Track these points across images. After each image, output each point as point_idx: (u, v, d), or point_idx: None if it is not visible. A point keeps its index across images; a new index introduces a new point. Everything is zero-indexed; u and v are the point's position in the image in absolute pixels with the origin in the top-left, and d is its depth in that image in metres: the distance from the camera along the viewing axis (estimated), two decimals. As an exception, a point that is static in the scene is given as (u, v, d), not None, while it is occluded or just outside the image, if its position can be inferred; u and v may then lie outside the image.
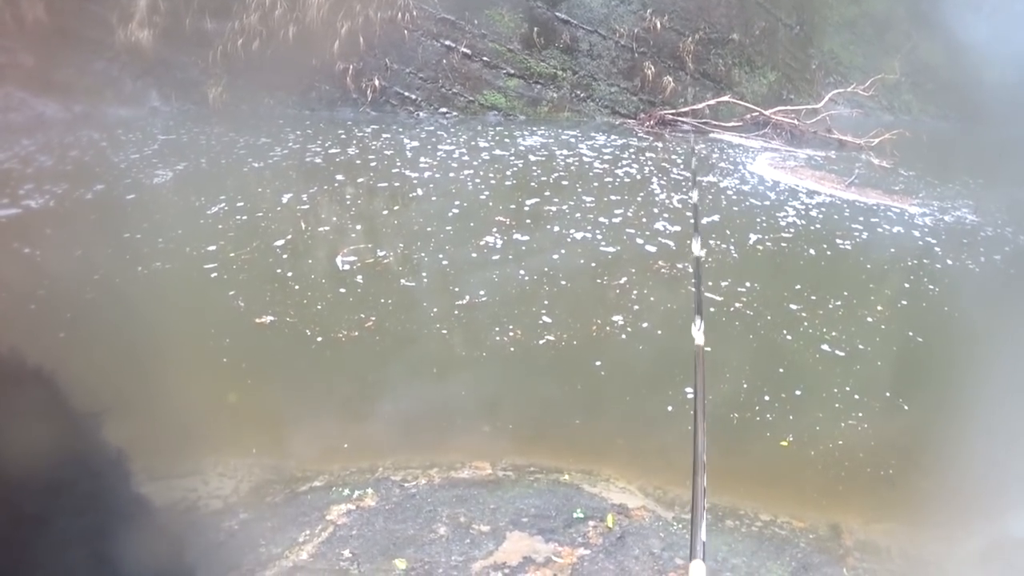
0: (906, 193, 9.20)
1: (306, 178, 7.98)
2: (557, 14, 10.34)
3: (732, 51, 11.18)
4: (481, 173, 8.50)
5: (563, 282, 6.03)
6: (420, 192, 7.90)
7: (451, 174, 8.39)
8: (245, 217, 6.83)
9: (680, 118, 10.68)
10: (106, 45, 8.88)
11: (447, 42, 9.94)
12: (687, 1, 10.76)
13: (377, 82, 9.70)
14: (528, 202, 7.78)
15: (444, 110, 10.01)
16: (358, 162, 8.60)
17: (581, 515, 3.41)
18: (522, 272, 6.10)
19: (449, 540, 3.12)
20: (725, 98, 10.82)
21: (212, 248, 6.10)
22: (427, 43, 9.92)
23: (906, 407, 4.98)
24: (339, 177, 8.16)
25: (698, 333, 2.01)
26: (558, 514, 3.40)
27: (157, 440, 3.60)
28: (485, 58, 10.04)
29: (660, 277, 6.36)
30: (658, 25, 10.53)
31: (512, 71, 10.16)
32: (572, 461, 4.10)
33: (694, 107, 10.69)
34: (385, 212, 7.31)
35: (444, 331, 5.14)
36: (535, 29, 10.22)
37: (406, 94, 9.90)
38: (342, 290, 5.56)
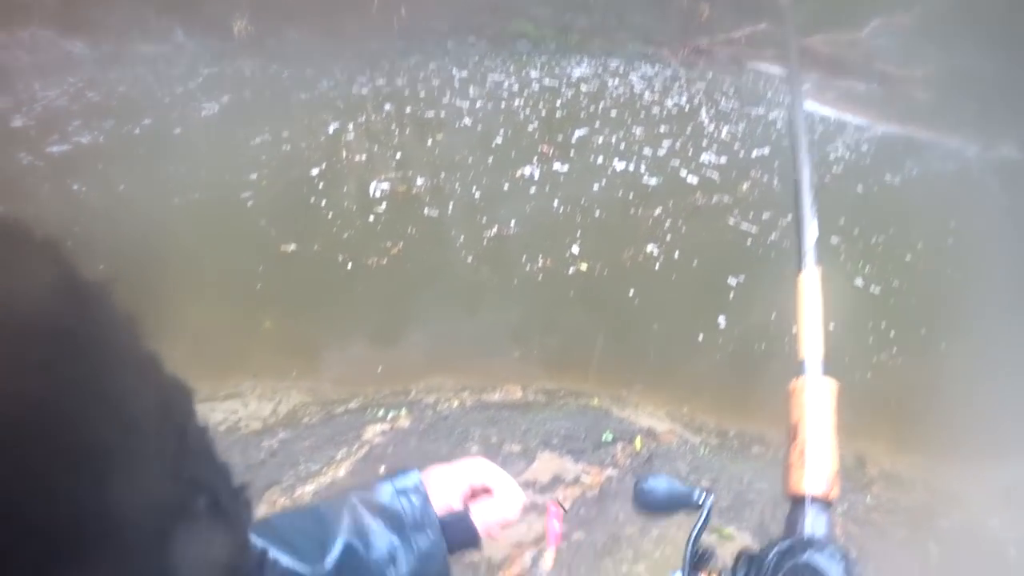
0: (950, 127, 8.92)
1: (353, 109, 7.96)
2: (589, -62, 10.01)
3: (770, -25, 10.73)
4: (530, 103, 8.38)
5: (598, 213, 5.99)
6: (465, 122, 7.83)
7: (501, 104, 8.30)
8: (288, 147, 6.86)
9: (716, 46, 10.36)
10: (130, -21, 8.80)
11: (475, -31, 9.69)
12: (725, -78, 10.30)
13: (404, 11, 9.50)
14: (575, 132, 7.67)
15: (472, 39, 9.82)
16: (406, 93, 8.52)
17: (610, 437, 3.48)
18: (556, 203, 6.06)
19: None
20: (763, 26, 10.43)
21: (252, 177, 6.14)
22: (455, -30, 9.69)
23: (942, 345, 4.94)
24: (387, 107, 8.12)
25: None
26: (587, 436, 3.47)
27: (197, 365, 3.71)
28: (514, -15, 9.79)
29: (699, 209, 6.28)
30: (693, -52, 10.14)
31: (542, -2, 9.91)
32: (602, 386, 4.16)
33: (731, 35, 10.34)
34: (428, 142, 7.28)
35: (473, 260, 5.17)
36: (565, -47, 9.91)
37: (434, 23, 9.71)
38: (371, 218, 5.59)
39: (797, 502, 0.81)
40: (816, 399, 0.88)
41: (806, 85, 9.72)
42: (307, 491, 2.90)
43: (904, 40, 11.63)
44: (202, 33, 9.28)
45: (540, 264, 5.14)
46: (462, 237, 5.33)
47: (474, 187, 6.19)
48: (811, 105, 9.19)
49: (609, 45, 10.00)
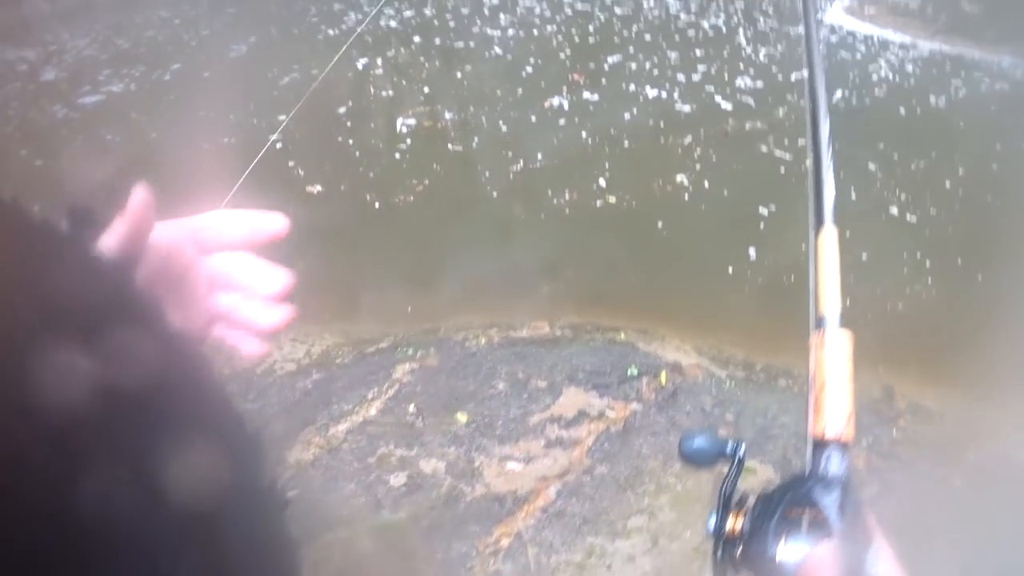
0: (996, 41, 8.49)
1: (381, 43, 7.87)
2: None
3: None
4: (562, 29, 8.19)
5: (627, 143, 5.89)
6: (496, 51, 7.70)
7: (533, 31, 8.13)
8: (316, 85, 6.83)
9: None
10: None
11: None
12: None
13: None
14: (607, 59, 7.48)
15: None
16: (436, 23, 8.39)
17: (635, 372, 3.53)
18: (584, 134, 5.98)
19: (508, 395, 3.28)
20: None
21: (281, 118, 6.15)
22: None
23: (979, 276, 4.83)
24: (416, 40, 8.01)
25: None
26: (613, 371, 3.52)
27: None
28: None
29: (731, 136, 6.14)
30: None
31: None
32: (629, 320, 4.18)
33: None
34: (457, 74, 7.18)
35: (499, 195, 5.16)
36: None
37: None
38: (396, 156, 5.59)
39: (817, 444, 0.90)
40: (834, 353, 0.98)
41: (853, 2, 9.30)
42: (340, 430, 3.01)
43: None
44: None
45: (567, 198, 5.12)
46: (488, 172, 5.31)
47: (501, 120, 6.13)
48: (851, 22, 8.81)
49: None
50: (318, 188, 5.05)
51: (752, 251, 4.89)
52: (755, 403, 3.55)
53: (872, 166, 5.81)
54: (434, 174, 5.27)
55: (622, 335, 3.93)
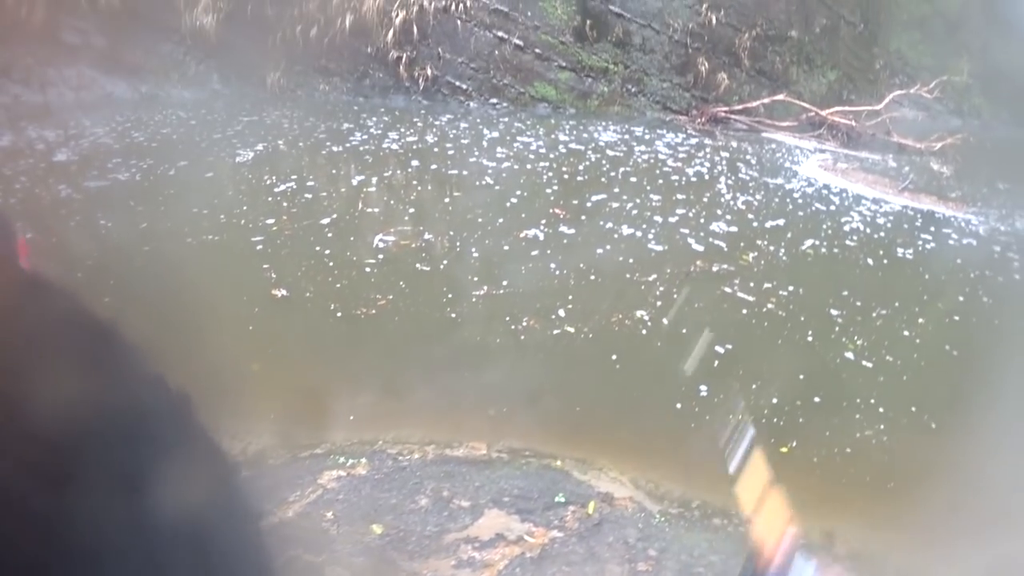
0: (963, 200, 8.90)
1: (381, 163, 8.34)
2: (611, 7, 10.33)
3: (790, 48, 10.96)
4: (554, 166, 8.63)
5: (593, 276, 6.07)
6: (486, 181, 8.08)
7: (527, 165, 8.57)
8: (309, 196, 7.16)
9: (733, 116, 10.54)
10: (173, 29, 9.34)
11: (500, 33, 10.06)
12: (745, -4, 10.59)
13: (430, 71, 9.90)
14: (593, 197, 7.86)
15: (494, 100, 10.15)
16: (435, 150, 8.87)
17: (562, 499, 3.51)
18: (553, 266, 6.16)
19: (428, 511, 3.26)
20: (780, 96, 10.62)
21: (269, 222, 6.44)
22: (480, 34, 10.06)
23: (932, 424, 4.84)
24: (414, 163, 8.46)
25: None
26: (540, 496, 3.50)
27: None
28: (537, 50, 10.13)
29: (697, 277, 6.33)
30: (713, 20, 10.40)
31: (564, 64, 10.22)
32: (570, 449, 4.18)
33: (748, 105, 10.53)
34: (445, 199, 7.51)
35: (457, 316, 5.28)
36: (588, 22, 10.24)
37: (457, 83, 10.07)
38: (367, 270, 5.77)
39: None
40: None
41: (818, 155, 9.81)
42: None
43: (922, 113, 11.71)
44: (238, 82, 9.78)
45: (524, 325, 5.23)
46: (451, 294, 5.46)
47: (474, 247, 6.35)
48: (825, 176, 9.25)
49: (628, 112, 10.25)
50: (283, 292, 5.19)
51: (703, 388, 4.93)
52: (683, 540, 3.50)
53: (834, 312, 5.95)
54: (399, 291, 5.43)
55: (559, 462, 3.93)
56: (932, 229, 8.00)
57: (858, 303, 6.15)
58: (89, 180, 7.08)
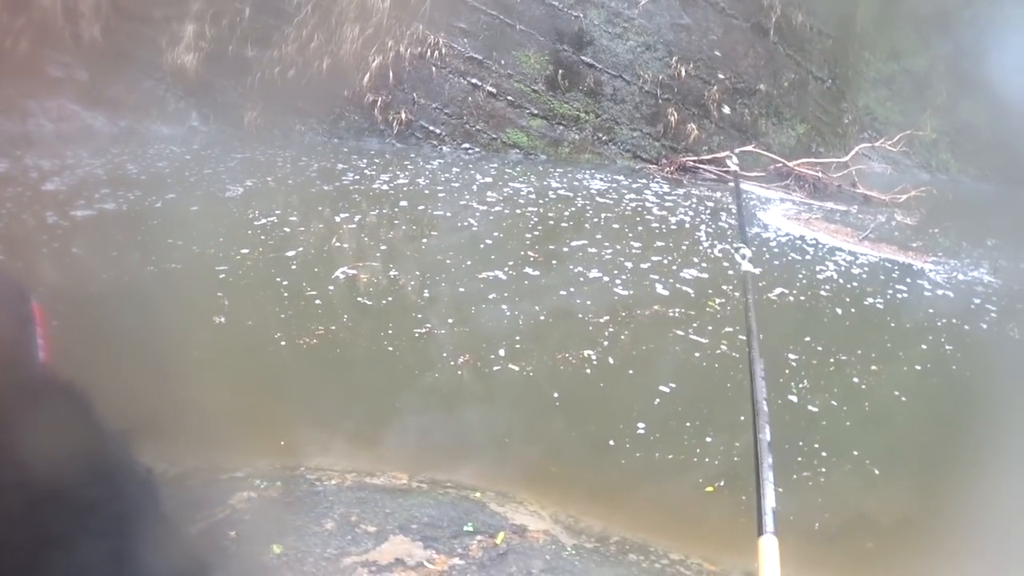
0: (924, 250, 9.04)
1: (369, 203, 8.52)
2: (583, 58, 10.63)
3: (759, 101, 11.24)
4: (540, 212, 8.78)
5: (543, 317, 6.12)
6: (470, 223, 8.23)
7: (517, 210, 8.73)
8: (287, 230, 7.30)
9: (702, 165, 10.77)
10: (154, 66, 9.60)
11: (473, 80, 10.33)
12: (714, 50, 10.89)
13: (404, 115, 10.14)
14: (572, 242, 7.98)
15: (467, 146, 10.37)
16: (426, 192, 9.03)
17: (471, 528, 3.54)
18: (505, 307, 6.20)
19: (331, 534, 3.30)
20: (749, 147, 10.86)
21: (244, 252, 6.59)
22: (454, 80, 10.34)
23: (875, 471, 4.83)
24: (402, 203, 8.61)
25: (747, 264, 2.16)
26: (449, 525, 3.54)
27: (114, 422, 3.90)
28: (510, 97, 10.39)
29: (655, 320, 6.39)
30: (683, 72, 10.69)
31: (536, 111, 10.47)
32: (493, 482, 4.22)
33: (716, 155, 10.76)
34: (423, 240, 7.62)
35: (394, 350, 5.35)
36: (560, 71, 10.52)
37: (431, 128, 10.31)
38: (317, 301, 5.86)
39: None
40: None
41: (784, 205, 10.01)
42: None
43: (890, 167, 11.95)
44: (216, 120, 10.02)
45: (462, 361, 5.30)
46: (392, 330, 5.54)
47: (427, 287, 6.43)
48: (791, 226, 9.42)
49: (599, 159, 10.47)
50: (221, 319, 5.26)
51: (641, 426, 4.97)
52: (591, 573, 3.52)
53: (791, 356, 5.98)
54: (341, 323, 5.51)
55: (477, 494, 3.97)
56: (908, 280, 8.06)
57: (819, 348, 6.19)
58: (76, 209, 7.23)
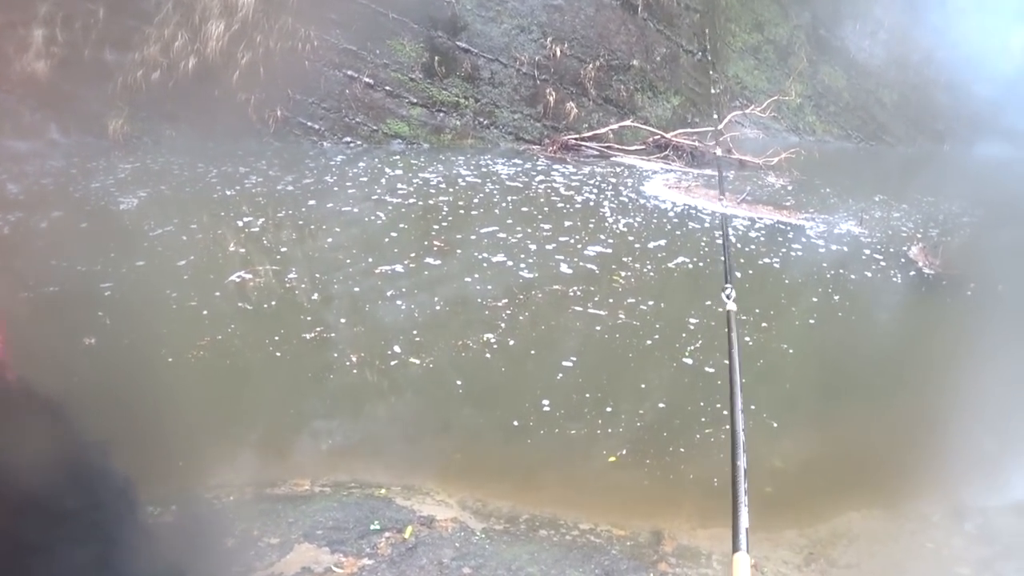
0: (796, 208, 9.55)
1: (274, 204, 8.22)
2: (458, 43, 10.59)
3: (634, 77, 11.53)
4: (451, 200, 8.68)
5: (440, 307, 6.10)
6: (378, 216, 8.08)
7: (429, 200, 8.60)
8: (184, 238, 6.95)
9: (583, 143, 10.97)
10: (3, 76, 8.91)
11: (349, 72, 10.12)
12: (587, 29, 11.08)
13: (280, 112, 9.83)
14: (480, 229, 7.94)
15: (348, 139, 10.16)
16: (335, 189, 8.79)
17: (378, 526, 3.52)
18: (400, 302, 6.14)
19: (233, 552, 3.20)
20: (627, 122, 11.14)
21: (137, 264, 6.27)
22: (329, 73, 10.09)
23: (774, 424, 5.02)
24: (311, 202, 8.35)
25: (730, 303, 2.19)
26: (355, 526, 3.50)
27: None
28: (387, 87, 10.24)
29: (557, 298, 6.47)
30: (558, 52, 10.84)
31: (415, 100, 10.37)
32: (398, 477, 4.20)
33: (597, 132, 10.98)
34: (327, 240, 7.42)
35: (283, 355, 5.21)
36: (436, 58, 10.45)
37: (309, 124, 10.04)
38: (204, 312, 5.63)
39: None
40: None
41: (664, 175, 10.35)
42: None
43: (761, 132, 12.57)
44: (77, 131, 9.39)
45: (355, 359, 5.23)
46: (280, 335, 5.40)
47: (318, 288, 6.28)
48: (672, 194, 9.73)
49: (482, 144, 10.49)
50: (92, 341, 4.98)
51: (545, 403, 5.04)
52: (503, 555, 3.56)
53: (692, 321, 6.17)
54: (230, 332, 5.32)
55: (383, 491, 3.94)
56: (794, 238, 8.45)
57: (716, 310, 6.40)
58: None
